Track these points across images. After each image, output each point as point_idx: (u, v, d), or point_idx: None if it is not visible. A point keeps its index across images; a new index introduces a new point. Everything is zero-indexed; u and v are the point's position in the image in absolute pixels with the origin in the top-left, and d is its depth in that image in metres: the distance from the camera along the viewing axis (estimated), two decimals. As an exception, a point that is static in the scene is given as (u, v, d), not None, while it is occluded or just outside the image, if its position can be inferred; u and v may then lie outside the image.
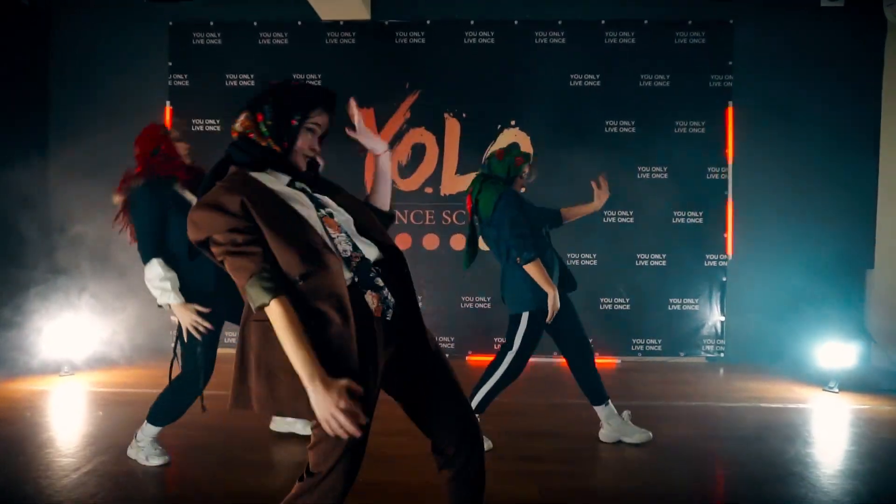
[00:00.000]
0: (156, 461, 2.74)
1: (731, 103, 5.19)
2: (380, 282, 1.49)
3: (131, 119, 5.30)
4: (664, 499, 2.54)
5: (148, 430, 2.74)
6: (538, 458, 2.96)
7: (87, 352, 4.80)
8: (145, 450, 2.75)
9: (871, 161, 5.23)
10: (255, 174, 1.51)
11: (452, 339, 5.30)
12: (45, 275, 4.90)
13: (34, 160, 5.12)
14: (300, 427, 3.15)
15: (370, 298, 1.46)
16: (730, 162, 5.21)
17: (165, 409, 2.71)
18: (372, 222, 1.60)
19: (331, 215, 1.53)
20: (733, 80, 5.19)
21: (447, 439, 1.58)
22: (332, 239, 1.46)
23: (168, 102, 5.35)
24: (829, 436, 3.48)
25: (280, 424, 3.22)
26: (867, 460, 3.05)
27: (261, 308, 1.35)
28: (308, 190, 1.56)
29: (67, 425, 3.52)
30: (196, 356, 2.60)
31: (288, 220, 1.43)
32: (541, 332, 2.98)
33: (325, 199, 1.58)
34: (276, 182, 1.52)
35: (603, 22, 5.21)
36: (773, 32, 5.17)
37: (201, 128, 5.35)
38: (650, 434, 3.09)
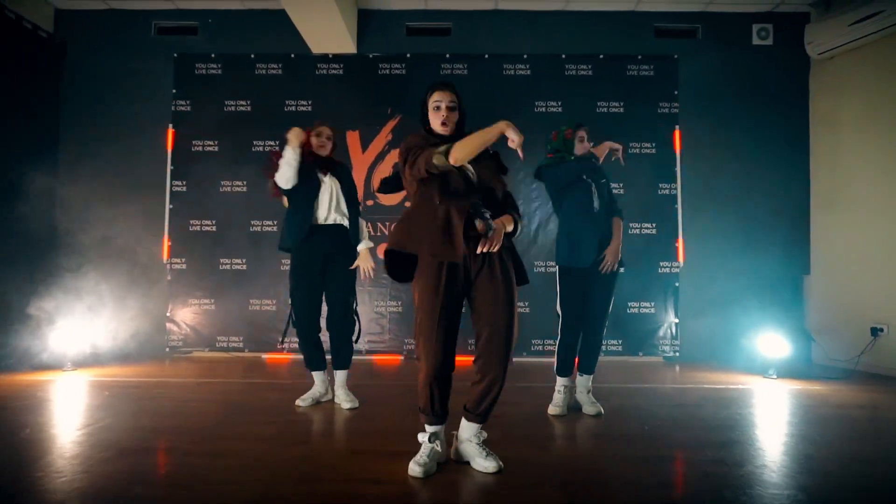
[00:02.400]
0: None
1: (677, 127, 5.81)
2: (486, 214, 2.37)
3: (137, 139, 5.86)
4: (616, 456, 2.74)
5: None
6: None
7: (90, 349, 5.14)
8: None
9: (804, 177, 5.85)
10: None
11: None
12: (53, 277, 5.30)
13: (46, 173, 5.57)
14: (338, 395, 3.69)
15: (477, 222, 2.34)
16: (678, 179, 5.79)
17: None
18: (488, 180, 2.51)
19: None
20: (679, 107, 5.83)
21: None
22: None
23: (171, 125, 5.86)
24: (761, 404, 3.93)
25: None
26: (796, 420, 3.52)
27: (445, 162, 2.32)
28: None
29: (73, 409, 3.86)
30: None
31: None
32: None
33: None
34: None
35: (563, 56, 5.87)
36: (712, 66, 5.85)
37: (200, 148, 5.85)
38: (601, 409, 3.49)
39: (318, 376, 3.68)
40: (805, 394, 4.20)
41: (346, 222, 3.60)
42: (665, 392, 4.25)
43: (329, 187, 3.57)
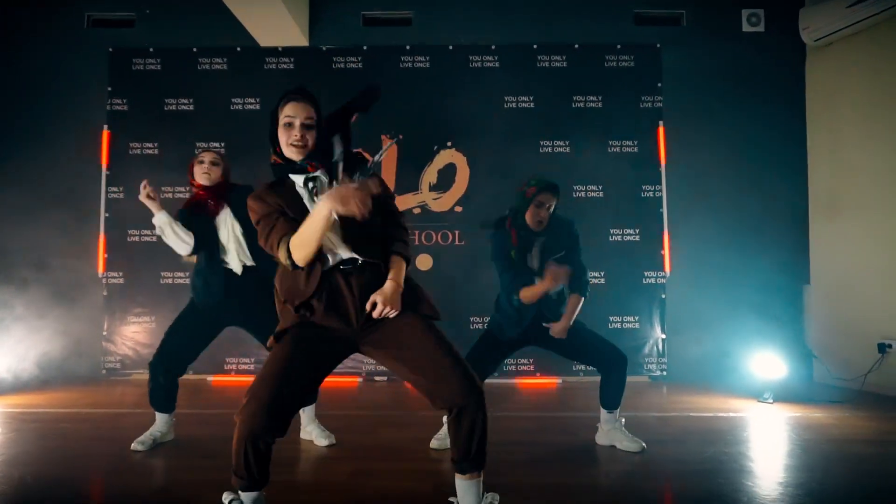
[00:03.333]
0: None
1: (661, 123, 5.29)
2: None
3: (68, 142, 5.36)
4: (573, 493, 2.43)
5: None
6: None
7: (10, 375, 4.64)
8: None
9: (802, 178, 5.33)
10: (292, 178, 2.01)
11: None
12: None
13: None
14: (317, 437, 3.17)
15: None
16: (664, 180, 5.27)
17: None
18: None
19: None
20: (663, 100, 5.31)
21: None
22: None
23: (106, 126, 5.35)
24: (753, 439, 3.39)
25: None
26: (793, 461, 2.98)
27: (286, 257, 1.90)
28: (313, 184, 1.98)
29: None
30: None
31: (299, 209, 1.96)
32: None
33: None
34: (298, 181, 2.00)
35: (535, 46, 5.35)
36: (699, 55, 5.33)
37: (139, 151, 5.34)
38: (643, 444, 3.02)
39: (163, 417, 3.15)
40: (804, 423, 3.65)
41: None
42: (646, 423, 3.69)
43: (227, 226, 3.01)
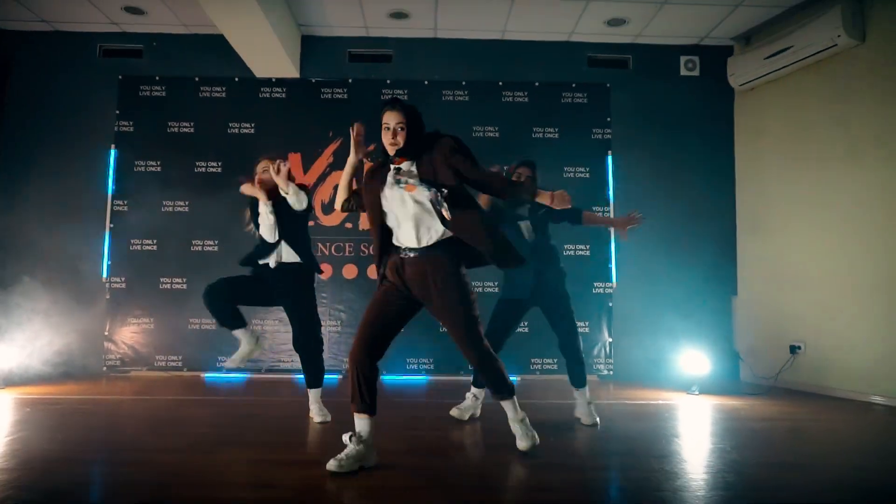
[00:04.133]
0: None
1: (610, 152, 6.04)
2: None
3: (80, 159, 5.91)
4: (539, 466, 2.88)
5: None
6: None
7: (22, 368, 5.09)
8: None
9: (730, 202, 6.11)
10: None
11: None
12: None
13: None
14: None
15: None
16: (611, 202, 6.00)
17: None
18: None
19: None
20: (612, 133, 6.07)
21: None
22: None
23: (113, 145, 5.91)
24: (682, 417, 4.05)
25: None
26: (707, 434, 3.65)
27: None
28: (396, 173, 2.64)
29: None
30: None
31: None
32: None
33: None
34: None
35: (500, 83, 6.09)
36: (643, 95, 6.11)
37: (143, 168, 5.91)
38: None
39: (241, 333, 3.62)
40: (721, 409, 4.34)
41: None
42: (599, 409, 4.33)
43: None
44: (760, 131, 5.88)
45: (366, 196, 2.71)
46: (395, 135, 2.59)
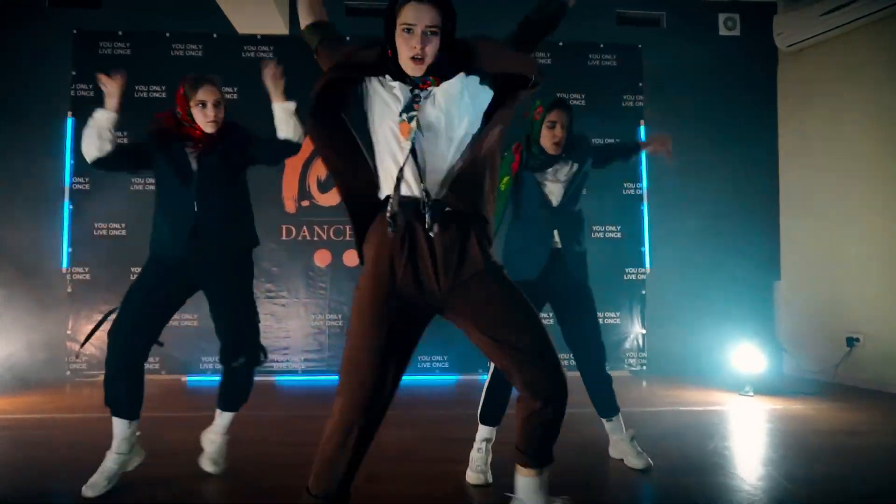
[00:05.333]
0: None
1: (643, 121, 5.39)
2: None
3: (29, 129, 5.03)
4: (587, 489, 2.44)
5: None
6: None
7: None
8: None
9: (773, 176, 5.54)
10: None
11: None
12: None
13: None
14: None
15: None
16: (644, 177, 5.37)
17: None
18: None
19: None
20: (644, 99, 5.41)
21: None
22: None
23: (70, 113, 5.04)
24: (745, 432, 3.50)
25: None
26: (780, 449, 3.09)
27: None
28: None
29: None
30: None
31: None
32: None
33: None
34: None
35: (520, 42, 5.35)
36: (678, 57, 5.44)
37: (106, 140, 5.05)
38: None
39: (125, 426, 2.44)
40: (785, 415, 3.81)
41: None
42: (635, 417, 3.74)
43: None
44: (808, 98, 5.27)
45: None
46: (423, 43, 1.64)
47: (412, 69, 1.65)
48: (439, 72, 1.68)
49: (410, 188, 1.65)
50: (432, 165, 1.65)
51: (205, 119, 2.46)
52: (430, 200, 1.63)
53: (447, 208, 1.64)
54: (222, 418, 2.62)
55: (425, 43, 1.63)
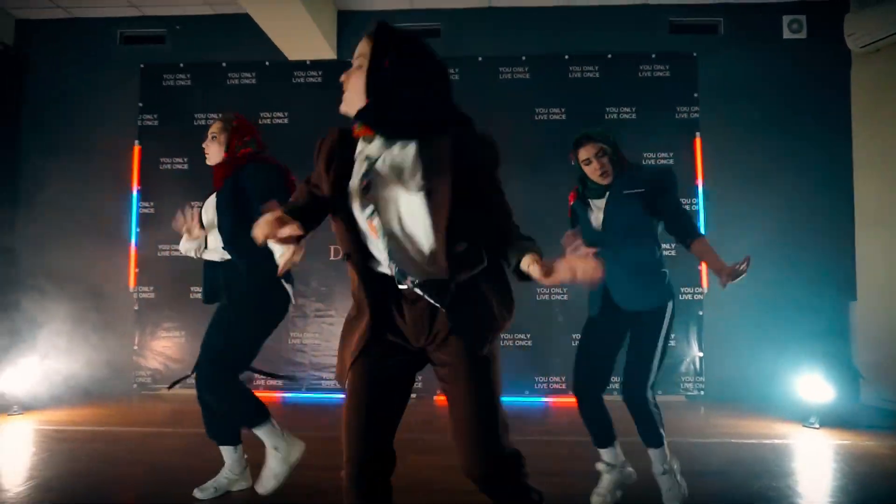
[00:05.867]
0: None
1: (698, 134, 5.13)
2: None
3: (102, 157, 5.41)
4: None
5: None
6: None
7: (44, 389, 4.67)
8: None
9: (847, 189, 5.11)
10: None
11: (420, 377, 5.11)
12: (4, 315, 4.85)
13: (5, 195, 5.22)
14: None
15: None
16: (700, 193, 5.10)
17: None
18: None
19: None
20: (700, 111, 5.15)
21: None
22: None
23: (137, 141, 5.39)
24: (801, 470, 3.23)
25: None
26: (838, 494, 2.82)
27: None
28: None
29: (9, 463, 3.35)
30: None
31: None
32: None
33: None
34: None
35: (566, 56, 5.24)
36: (737, 64, 5.15)
37: (169, 166, 5.36)
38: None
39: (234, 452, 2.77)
40: (854, 452, 3.48)
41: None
42: (685, 448, 3.55)
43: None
44: (885, 103, 4.84)
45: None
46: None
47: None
48: (373, 121, 1.51)
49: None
50: (414, 249, 1.52)
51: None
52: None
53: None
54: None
55: (348, 74, 1.55)
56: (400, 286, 1.51)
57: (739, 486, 2.86)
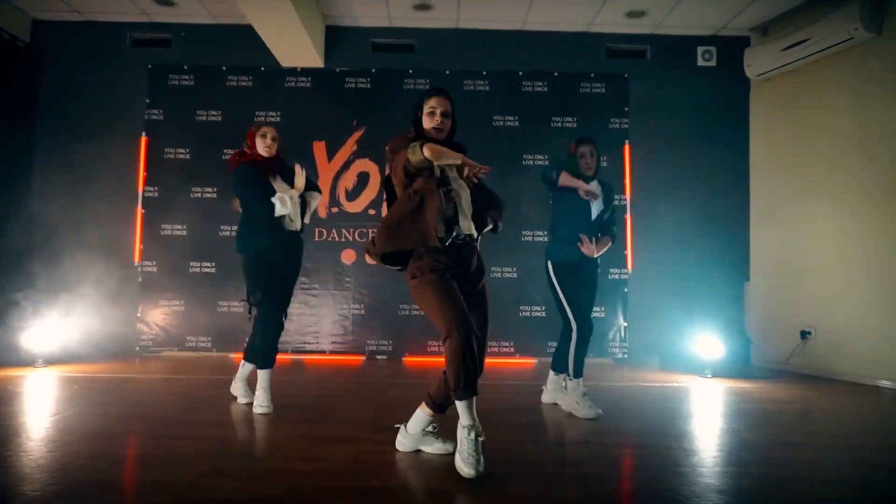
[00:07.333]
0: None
1: (627, 142, 6.17)
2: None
3: (111, 147, 6.10)
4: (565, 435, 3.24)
5: None
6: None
7: (60, 347, 5.33)
8: None
9: (745, 192, 6.24)
10: None
11: (390, 341, 6.00)
12: (26, 280, 5.51)
13: (21, 179, 5.84)
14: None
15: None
16: (628, 190, 6.14)
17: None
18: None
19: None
20: (629, 122, 6.19)
21: None
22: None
23: (144, 133, 6.10)
24: (695, 399, 4.25)
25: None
26: (720, 418, 3.84)
27: (420, 157, 2.43)
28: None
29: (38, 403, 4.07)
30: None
31: None
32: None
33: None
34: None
35: (520, 73, 6.21)
36: (661, 85, 6.22)
37: (172, 156, 6.09)
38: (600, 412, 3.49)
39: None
40: (734, 391, 4.53)
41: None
42: (613, 392, 4.49)
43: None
44: (775, 122, 5.98)
45: (429, 181, 2.50)
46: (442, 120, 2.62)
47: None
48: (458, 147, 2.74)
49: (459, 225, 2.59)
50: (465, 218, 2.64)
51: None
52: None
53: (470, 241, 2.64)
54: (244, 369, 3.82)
55: (446, 118, 2.71)
56: (458, 239, 2.52)
57: (657, 411, 3.84)
